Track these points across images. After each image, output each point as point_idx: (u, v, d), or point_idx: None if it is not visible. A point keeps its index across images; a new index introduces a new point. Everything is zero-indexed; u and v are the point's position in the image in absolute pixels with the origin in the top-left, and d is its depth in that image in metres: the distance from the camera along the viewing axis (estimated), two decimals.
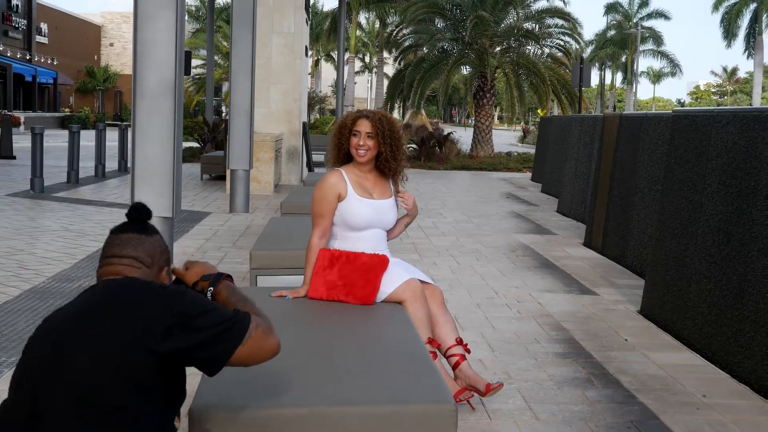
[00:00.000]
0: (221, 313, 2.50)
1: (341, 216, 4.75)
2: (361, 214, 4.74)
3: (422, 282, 4.81)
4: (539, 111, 45.23)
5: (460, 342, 4.80)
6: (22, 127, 43.42)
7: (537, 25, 32.21)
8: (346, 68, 37.00)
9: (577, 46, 34.31)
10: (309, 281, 4.64)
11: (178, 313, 2.43)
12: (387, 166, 4.84)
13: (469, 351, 4.85)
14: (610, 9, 79.07)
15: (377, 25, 60.86)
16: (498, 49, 31.38)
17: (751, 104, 74.50)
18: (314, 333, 4.12)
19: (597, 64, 78.29)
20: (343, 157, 4.87)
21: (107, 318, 2.43)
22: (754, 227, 5.49)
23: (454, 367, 4.74)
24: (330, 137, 4.96)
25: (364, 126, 4.79)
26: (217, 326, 2.46)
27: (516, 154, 31.39)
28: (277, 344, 2.59)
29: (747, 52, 63.53)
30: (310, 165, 19.89)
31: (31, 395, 2.39)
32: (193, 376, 5.14)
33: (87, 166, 20.35)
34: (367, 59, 76.78)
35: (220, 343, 2.46)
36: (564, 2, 33.91)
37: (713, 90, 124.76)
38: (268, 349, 2.56)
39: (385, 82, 49.64)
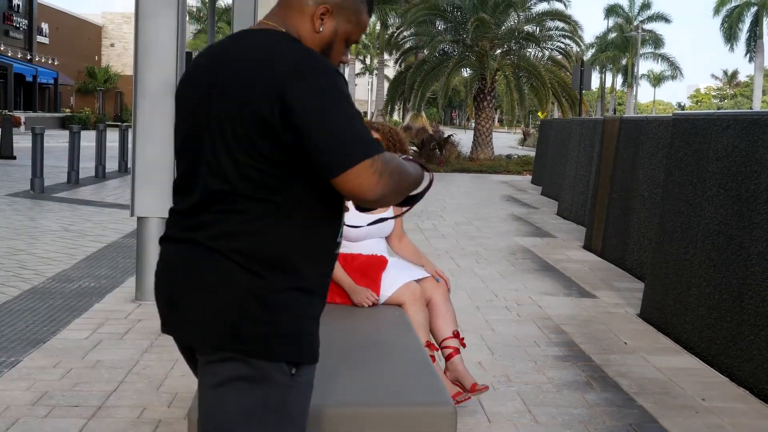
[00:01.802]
0: None
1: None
2: (360, 229, 4.74)
3: (423, 279, 4.81)
4: (539, 114, 45.25)
5: (456, 335, 4.80)
6: (22, 128, 43.42)
7: (538, 28, 32.22)
8: (346, 70, 37.03)
9: (578, 49, 34.28)
10: (351, 281, 4.59)
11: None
12: None
13: (464, 345, 4.85)
14: (610, 12, 79.12)
15: (378, 26, 60.86)
16: (498, 51, 31.39)
17: (751, 108, 74.53)
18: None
19: (597, 67, 78.33)
20: None
21: None
22: (753, 231, 5.49)
23: (447, 358, 4.73)
24: None
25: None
26: None
27: (516, 156, 31.41)
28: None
29: (748, 55, 63.59)
30: None
31: None
32: (193, 377, 5.15)
33: (87, 166, 20.36)
34: (367, 61, 76.83)
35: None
36: (565, 5, 33.93)
37: (713, 93, 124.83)
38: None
39: (386, 84, 49.63)
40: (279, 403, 2.19)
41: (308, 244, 2.23)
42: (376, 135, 4.77)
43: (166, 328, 2.34)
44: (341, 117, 2.12)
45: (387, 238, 5.03)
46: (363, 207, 2.30)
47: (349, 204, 2.37)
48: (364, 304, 4.50)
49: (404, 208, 2.47)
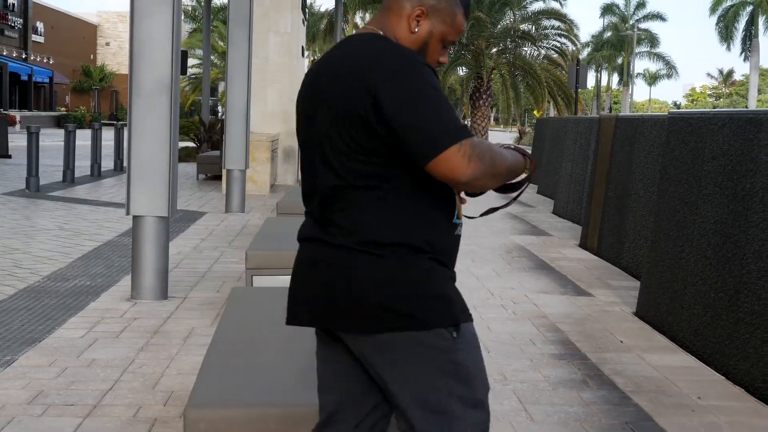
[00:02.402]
0: None
1: None
2: None
3: None
4: (535, 112, 45.27)
5: None
6: (17, 126, 43.38)
7: (533, 27, 32.26)
8: None
9: (574, 48, 34.34)
10: None
11: None
12: None
13: None
14: (606, 11, 79.14)
15: None
16: (494, 50, 31.41)
17: (746, 107, 74.59)
18: (310, 334, 4.11)
19: (593, 66, 78.36)
20: None
21: None
22: (749, 229, 5.50)
23: None
24: None
25: None
26: None
27: None
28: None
29: (744, 54, 63.66)
30: None
31: None
32: (189, 376, 5.15)
33: (83, 165, 20.33)
34: None
35: None
36: (560, 4, 33.95)
37: (709, 92, 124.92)
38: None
39: None
40: (453, 366, 2.35)
41: (425, 224, 2.36)
42: None
43: (306, 321, 2.48)
44: (428, 106, 2.26)
45: None
46: (471, 193, 2.45)
47: (463, 195, 2.47)
48: None
49: (513, 195, 2.60)
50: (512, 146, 2.55)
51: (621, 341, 6.40)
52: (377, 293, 2.31)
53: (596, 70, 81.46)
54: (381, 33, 2.47)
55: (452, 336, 2.34)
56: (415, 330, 2.31)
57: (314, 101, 2.43)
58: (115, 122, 25.42)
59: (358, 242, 2.33)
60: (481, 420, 2.40)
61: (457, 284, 2.45)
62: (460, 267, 9.81)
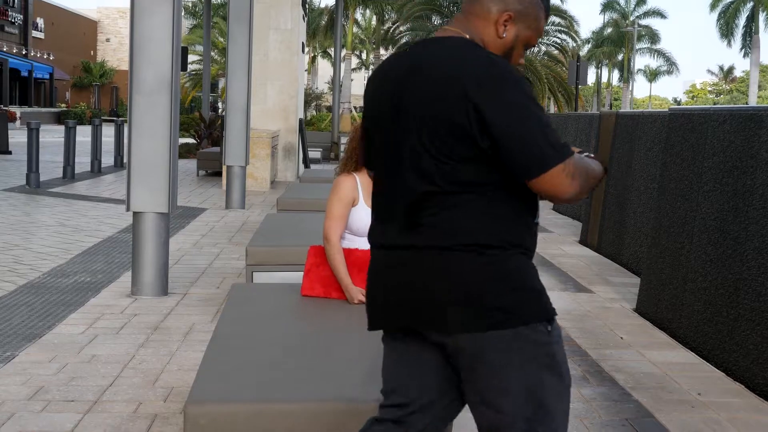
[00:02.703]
0: None
1: (348, 220, 4.78)
2: (366, 225, 4.75)
3: None
4: None
5: None
6: (18, 122, 43.36)
7: None
8: (342, 65, 36.99)
9: (574, 44, 34.35)
10: (349, 280, 4.57)
11: None
12: None
13: None
14: (607, 7, 79.06)
15: (374, 21, 60.82)
16: None
17: (747, 103, 74.54)
18: (310, 330, 4.12)
19: (594, 62, 78.31)
20: (356, 163, 4.85)
21: None
22: (749, 226, 5.50)
23: None
24: (348, 143, 4.90)
25: None
26: None
27: None
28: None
29: (744, 50, 63.62)
30: (307, 162, 19.87)
31: None
32: (190, 372, 5.15)
33: (83, 161, 20.33)
34: (363, 56, 76.76)
35: None
36: (561, 0, 33.93)
37: (709, 89, 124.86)
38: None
39: None
40: (549, 360, 2.42)
41: (517, 224, 2.43)
42: None
43: (397, 324, 2.54)
44: (534, 124, 2.31)
45: None
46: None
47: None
48: (354, 302, 4.50)
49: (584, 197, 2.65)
50: (589, 154, 2.61)
51: (621, 337, 6.40)
52: (481, 292, 2.36)
53: (596, 67, 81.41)
54: (468, 37, 2.48)
55: (547, 330, 2.42)
56: (516, 326, 2.37)
57: (401, 99, 2.45)
58: (115, 118, 25.43)
59: (460, 244, 2.37)
60: (567, 409, 2.48)
61: None
62: None
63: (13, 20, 56.41)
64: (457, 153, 2.35)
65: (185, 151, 24.06)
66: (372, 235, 2.58)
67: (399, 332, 2.55)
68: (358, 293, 4.51)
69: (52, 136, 33.02)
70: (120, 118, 23.36)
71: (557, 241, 11.31)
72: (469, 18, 2.52)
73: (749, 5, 62.40)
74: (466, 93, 2.30)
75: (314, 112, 49.51)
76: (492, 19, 2.50)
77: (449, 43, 2.44)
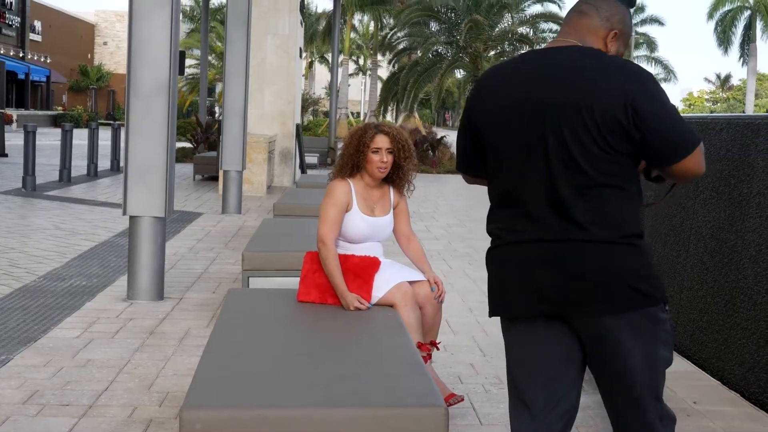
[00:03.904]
0: None
1: (341, 227, 4.74)
2: (360, 232, 4.75)
3: (417, 281, 4.82)
4: None
5: (433, 344, 4.83)
6: (14, 125, 43.30)
7: (531, 30, 32.29)
8: (340, 70, 37.04)
9: None
10: (345, 287, 4.55)
11: None
12: (399, 178, 4.86)
13: (438, 348, 4.94)
14: None
15: (372, 27, 60.84)
16: (492, 53, 31.42)
17: (744, 111, 74.62)
18: (306, 335, 4.12)
19: None
20: (351, 169, 4.83)
21: None
22: (746, 234, 5.50)
23: None
24: (344, 149, 4.87)
25: (383, 142, 4.75)
26: None
27: None
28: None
29: (742, 59, 63.72)
30: (303, 167, 19.87)
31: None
32: (185, 377, 5.14)
33: (79, 164, 20.32)
34: (361, 61, 76.80)
35: None
36: (559, 7, 33.98)
37: (706, 97, 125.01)
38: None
39: (379, 85, 49.60)
40: (668, 335, 2.84)
41: (640, 216, 2.80)
42: (385, 138, 4.76)
43: (538, 309, 2.81)
44: (674, 114, 2.70)
45: (396, 237, 5.05)
46: (655, 178, 2.90)
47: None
48: (350, 309, 4.49)
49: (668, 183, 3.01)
50: None
51: None
52: (634, 278, 2.70)
53: None
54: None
55: (666, 309, 2.80)
56: (651, 306, 2.75)
57: (546, 103, 2.71)
58: (112, 122, 25.41)
59: (622, 236, 2.70)
60: (665, 378, 2.98)
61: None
62: (455, 269, 9.79)
63: (10, 23, 56.41)
64: (612, 147, 2.67)
65: (182, 156, 24.05)
66: (511, 232, 2.80)
67: (539, 319, 2.84)
68: (354, 300, 4.50)
69: (48, 139, 33.00)
70: (117, 122, 23.34)
71: None
72: (580, 32, 2.87)
73: (747, 14, 62.51)
74: (622, 92, 2.65)
75: (311, 117, 49.53)
76: (601, 35, 2.87)
77: (586, 50, 2.79)
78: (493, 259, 2.88)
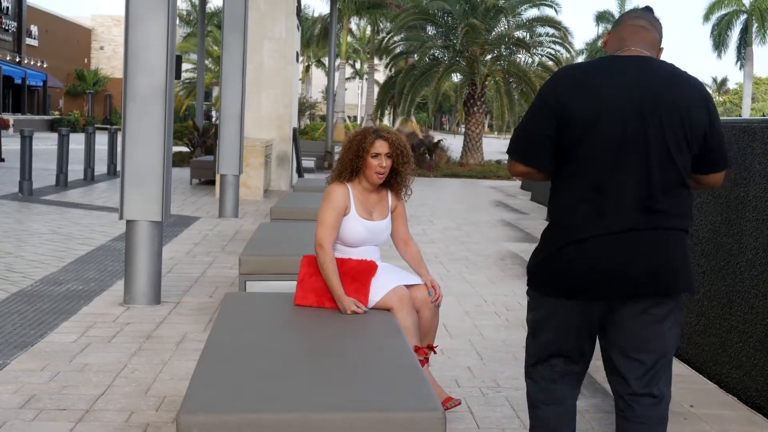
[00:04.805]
0: None
1: (339, 230, 4.74)
2: (357, 235, 4.75)
3: (414, 285, 4.82)
4: None
5: (430, 347, 4.83)
6: (11, 130, 43.26)
7: (528, 34, 32.25)
8: (336, 74, 37.00)
9: (568, 55, 34.31)
10: (342, 291, 4.54)
11: None
12: (397, 182, 4.87)
13: (435, 352, 4.95)
14: (600, 18, 79.25)
15: (368, 31, 60.86)
16: (489, 57, 31.40)
17: (740, 115, 74.67)
18: (303, 339, 4.11)
19: None
20: (350, 174, 4.83)
21: None
22: (743, 238, 5.51)
23: None
24: (343, 153, 4.86)
25: (382, 147, 4.75)
26: None
27: (506, 162, 31.33)
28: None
29: (739, 62, 63.78)
30: (300, 171, 19.87)
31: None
32: (182, 381, 5.13)
33: (76, 169, 20.30)
34: (357, 65, 76.82)
35: None
36: (555, 11, 33.98)
37: None
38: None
39: (376, 89, 49.61)
40: (682, 319, 3.26)
41: None
42: (384, 143, 4.76)
43: (609, 295, 3.14)
44: (723, 131, 3.20)
45: (394, 241, 5.05)
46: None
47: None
48: (347, 313, 4.49)
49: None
50: None
51: None
52: (687, 265, 3.16)
53: None
54: None
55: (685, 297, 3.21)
56: (680, 293, 3.18)
57: (652, 106, 3.04)
58: (108, 126, 25.37)
59: (690, 227, 3.15)
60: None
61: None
62: (452, 273, 9.78)
63: (6, 27, 56.37)
64: (691, 149, 3.09)
65: (179, 160, 24.04)
66: (592, 227, 3.07)
67: (592, 301, 3.16)
68: (351, 304, 4.49)
69: (45, 143, 32.96)
70: (113, 126, 23.32)
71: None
72: (650, 47, 3.25)
73: (742, 17, 62.60)
74: (706, 107, 3.10)
75: (308, 121, 49.50)
76: (657, 48, 3.29)
77: (666, 62, 3.18)
78: (574, 247, 3.13)
